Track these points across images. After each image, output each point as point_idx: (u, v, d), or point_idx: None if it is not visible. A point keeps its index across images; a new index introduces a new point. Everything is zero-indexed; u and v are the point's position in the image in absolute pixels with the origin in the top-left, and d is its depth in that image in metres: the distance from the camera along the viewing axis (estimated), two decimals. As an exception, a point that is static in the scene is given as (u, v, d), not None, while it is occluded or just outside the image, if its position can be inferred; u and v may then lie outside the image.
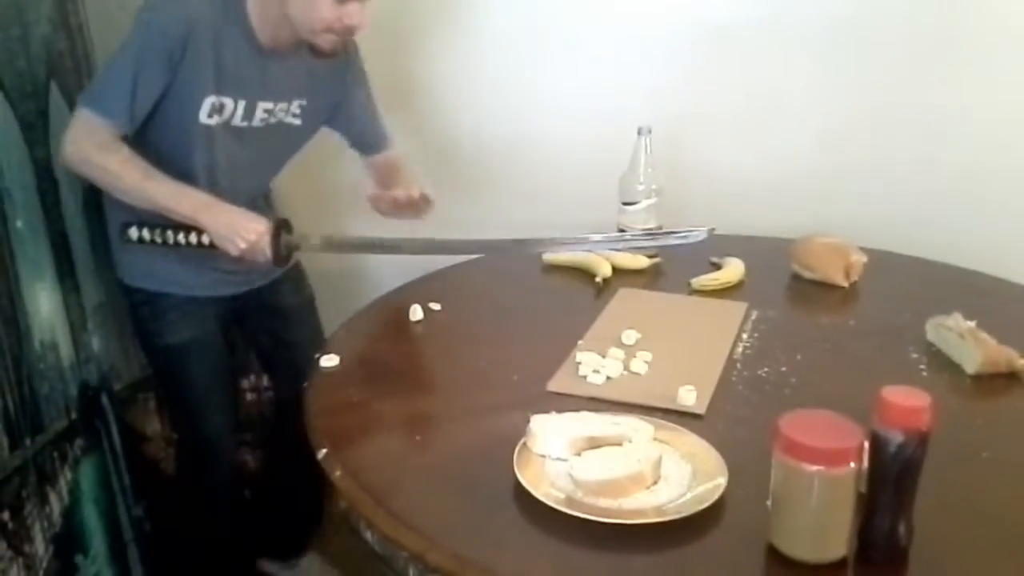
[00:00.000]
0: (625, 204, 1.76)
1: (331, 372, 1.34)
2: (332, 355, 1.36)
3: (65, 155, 1.44)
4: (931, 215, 1.89)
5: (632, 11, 1.97)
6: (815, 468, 0.83)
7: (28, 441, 1.48)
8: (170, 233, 1.50)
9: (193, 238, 1.48)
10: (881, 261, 1.68)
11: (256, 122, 1.54)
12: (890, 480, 0.85)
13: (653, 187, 1.74)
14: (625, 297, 1.59)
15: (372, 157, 1.75)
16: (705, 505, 0.94)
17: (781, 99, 1.94)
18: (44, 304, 1.52)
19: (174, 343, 1.66)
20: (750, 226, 1.90)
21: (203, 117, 1.47)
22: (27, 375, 1.48)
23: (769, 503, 0.89)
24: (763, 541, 0.90)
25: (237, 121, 1.52)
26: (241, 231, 1.44)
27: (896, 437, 0.83)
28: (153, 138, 1.48)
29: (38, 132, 1.52)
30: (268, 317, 1.82)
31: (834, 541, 0.87)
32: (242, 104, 1.51)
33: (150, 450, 1.84)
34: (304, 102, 1.60)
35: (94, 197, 1.63)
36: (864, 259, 1.63)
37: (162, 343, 1.67)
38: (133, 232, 1.53)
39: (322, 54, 1.50)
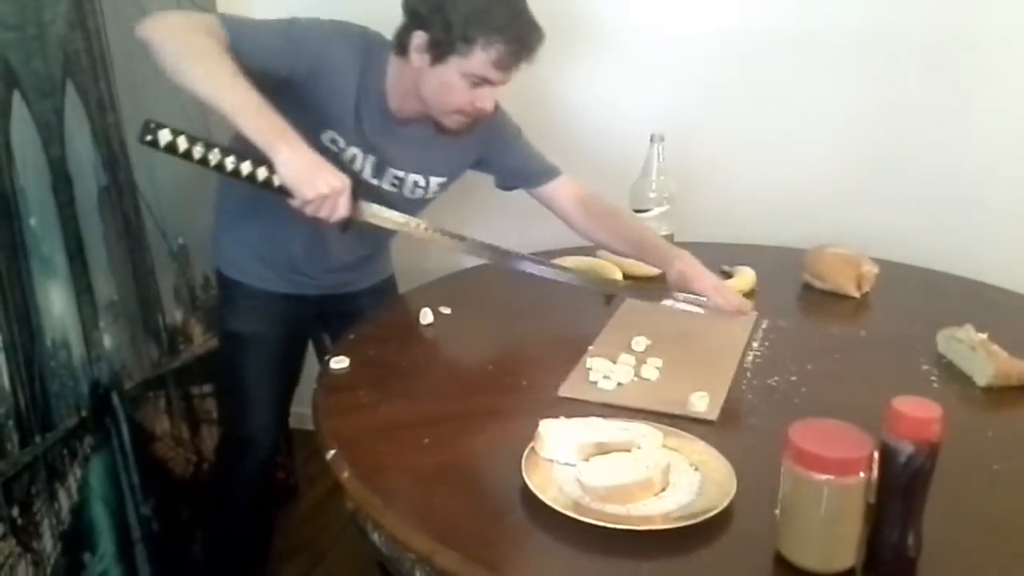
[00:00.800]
0: (637, 211, 1.76)
1: (341, 374, 1.34)
2: (342, 357, 1.36)
3: (153, 22, 1.28)
4: (944, 226, 1.89)
5: (645, 19, 1.97)
6: (824, 477, 0.83)
7: (38, 438, 1.49)
8: (215, 153, 1.29)
9: (246, 167, 1.29)
10: (893, 272, 1.68)
11: (386, 185, 1.53)
12: (899, 490, 0.85)
13: (665, 195, 1.75)
14: (635, 304, 1.59)
15: (536, 190, 1.66)
16: (713, 513, 0.94)
17: (794, 108, 1.94)
18: (56, 302, 1.53)
19: (233, 330, 1.69)
20: (762, 235, 1.90)
21: (325, 141, 1.45)
22: (38, 372, 1.49)
23: (777, 512, 0.88)
24: (771, 550, 0.89)
25: (366, 177, 1.50)
26: (325, 175, 1.26)
27: (906, 448, 0.83)
28: None
29: (54, 131, 1.53)
30: (347, 327, 1.72)
31: (842, 551, 0.86)
32: (371, 160, 1.49)
33: (160, 449, 1.84)
34: (444, 180, 1.59)
35: (109, 196, 1.64)
36: (876, 270, 1.63)
37: (225, 327, 1.71)
38: (163, 135, 1.29)
39: (447, 132, 1.49)
